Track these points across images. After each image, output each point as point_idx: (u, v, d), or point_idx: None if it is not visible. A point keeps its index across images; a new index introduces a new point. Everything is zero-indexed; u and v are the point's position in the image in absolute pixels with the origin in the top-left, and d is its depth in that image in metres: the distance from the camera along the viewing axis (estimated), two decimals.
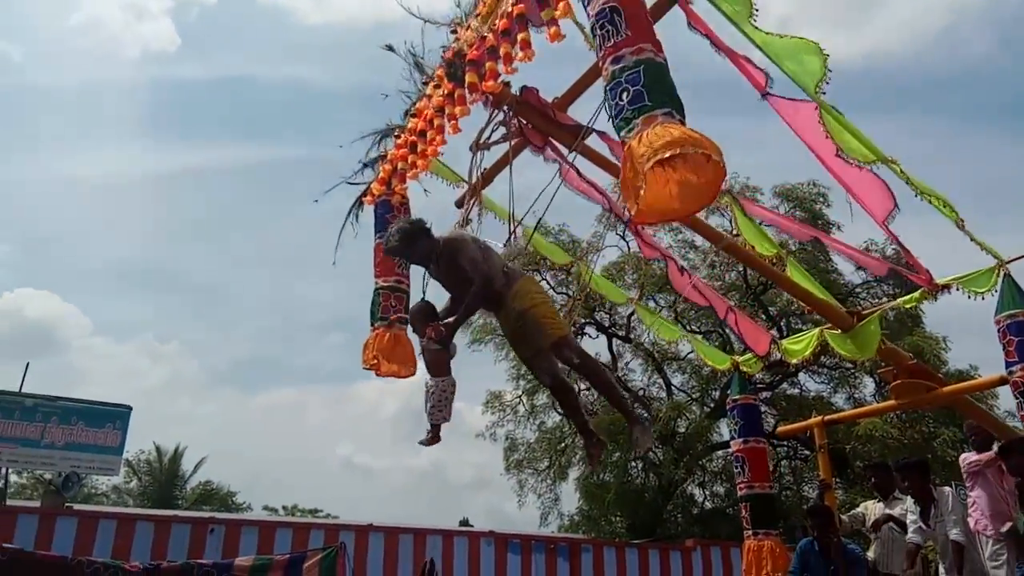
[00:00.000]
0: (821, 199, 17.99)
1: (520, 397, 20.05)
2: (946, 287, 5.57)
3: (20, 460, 11.06)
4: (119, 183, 57.31)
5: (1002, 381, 5.47)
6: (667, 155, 2.76)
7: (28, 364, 12.10)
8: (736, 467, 6.97)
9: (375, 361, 4.95)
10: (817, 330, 6.50)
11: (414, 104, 4.81)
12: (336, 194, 5.19)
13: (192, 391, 55.77)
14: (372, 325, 5.04)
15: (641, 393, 20.46)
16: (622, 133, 3.07)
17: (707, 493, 20.38)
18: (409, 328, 4.94)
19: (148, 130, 63.42)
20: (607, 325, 19.54)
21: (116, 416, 11.39)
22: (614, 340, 19.59)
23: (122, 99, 59.08)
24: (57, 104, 58.36)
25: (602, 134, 4.65)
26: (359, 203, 5.22)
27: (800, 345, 6.71)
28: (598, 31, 3.29)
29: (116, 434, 11.27)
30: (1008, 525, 5.35)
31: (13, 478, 10.92)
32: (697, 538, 15.08)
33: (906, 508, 6.01)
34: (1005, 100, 52.11)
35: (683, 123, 2.99)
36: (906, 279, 6.07)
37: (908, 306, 6.08)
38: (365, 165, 5.20)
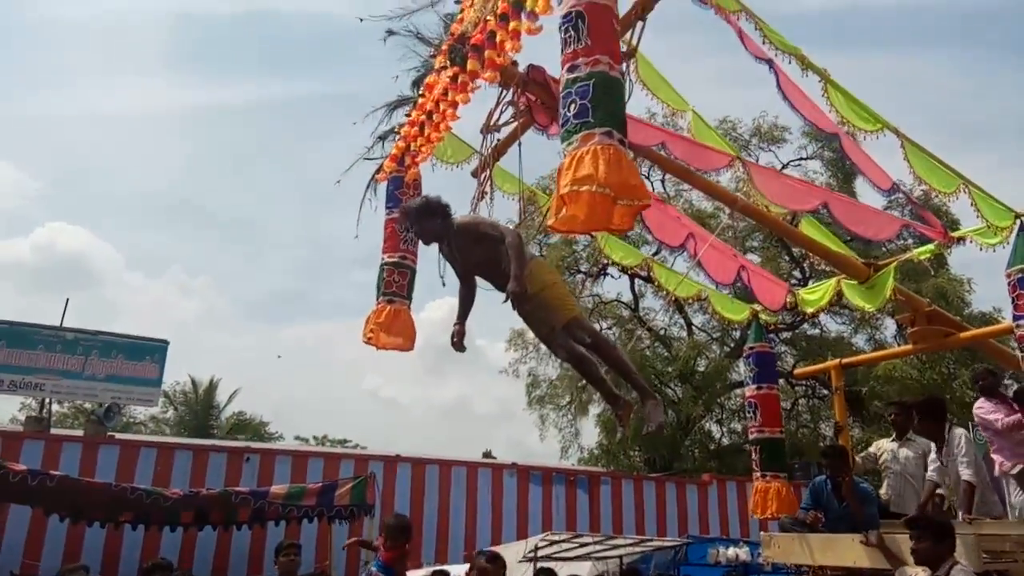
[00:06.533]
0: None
1: None
2: (961, 239, 5.62)
3: (63, 391, 11.53)
4: (145, 117, 57.37)
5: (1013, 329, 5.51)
6: (581, 189, 2.90)
7: (68, 300, 12.49)
8: (749, 412, 7.26)
9: (372, 335, 5.11)
10: (834, 280, 6.64)
11: (424, 77, 4.82)
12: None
13: (222, 324, 56.85)
14: (376, 299, 5.18)
15: (663, 333, 20.66)
16: (563, 144, 3.14)
17: (724, 430, 20.76)
18: (409, 304, 5.17)
19: (173, 63, 63.29)
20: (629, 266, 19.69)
21: (154, 350, 11.80)
22: (636, 280, 19.68)
23: (147, 33, 58.67)
24: (82, 38, 58.23)
25: None
26: (374, 179, 5.32)
27: (816, 295, 6.97)
28: (562, 34, 3.28)
29: (154, 367, 11.70)
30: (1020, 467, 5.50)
31: (55, 408, 11.40)
32: (713, 473, 15.46)
33: (920, 446, 6.19)
34: None
35: (622, 143, 3.05)
36: (920, 234, 6.09)
37: (923, 257, 6.13)
38: (381, 139, 5.27)
